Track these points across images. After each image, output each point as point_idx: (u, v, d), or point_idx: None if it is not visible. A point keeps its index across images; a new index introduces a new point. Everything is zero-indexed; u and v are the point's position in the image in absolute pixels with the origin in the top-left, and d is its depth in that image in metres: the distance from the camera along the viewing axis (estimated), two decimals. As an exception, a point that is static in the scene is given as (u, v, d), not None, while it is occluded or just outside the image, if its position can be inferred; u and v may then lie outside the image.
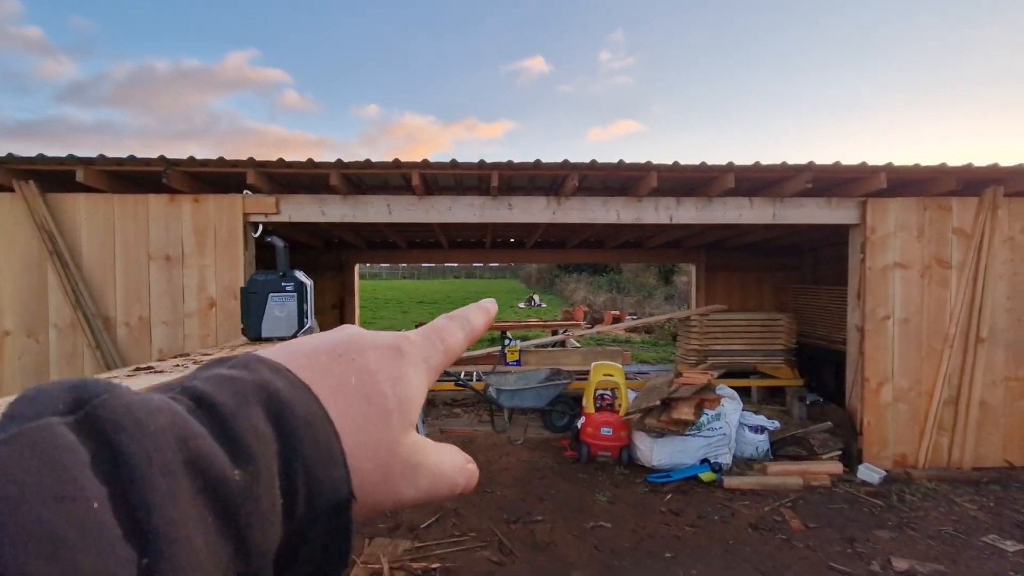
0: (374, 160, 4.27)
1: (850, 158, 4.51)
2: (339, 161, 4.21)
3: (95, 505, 0.16)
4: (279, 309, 2.32)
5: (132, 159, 4.11)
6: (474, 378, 6.45)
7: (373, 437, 0.26)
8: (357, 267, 8.89)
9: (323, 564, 0.23)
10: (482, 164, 4.27)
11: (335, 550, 0.23)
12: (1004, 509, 3.87)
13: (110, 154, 4.11)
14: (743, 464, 4.65)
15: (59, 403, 0.18)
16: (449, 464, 0.30)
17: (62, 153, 4.05)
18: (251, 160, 4.17)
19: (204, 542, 0.18)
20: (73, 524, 0.15)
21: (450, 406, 6.85)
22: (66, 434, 0.17)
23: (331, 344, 0.28)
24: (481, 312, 0.36)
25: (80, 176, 4.07)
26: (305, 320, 2.39)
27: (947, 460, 4.58)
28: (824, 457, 4.68)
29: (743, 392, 6.02)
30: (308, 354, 0.27)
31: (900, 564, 3.08)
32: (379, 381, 0.27)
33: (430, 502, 0.29)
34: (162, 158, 4.09)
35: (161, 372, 1.71)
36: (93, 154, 4.08)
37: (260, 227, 4.46)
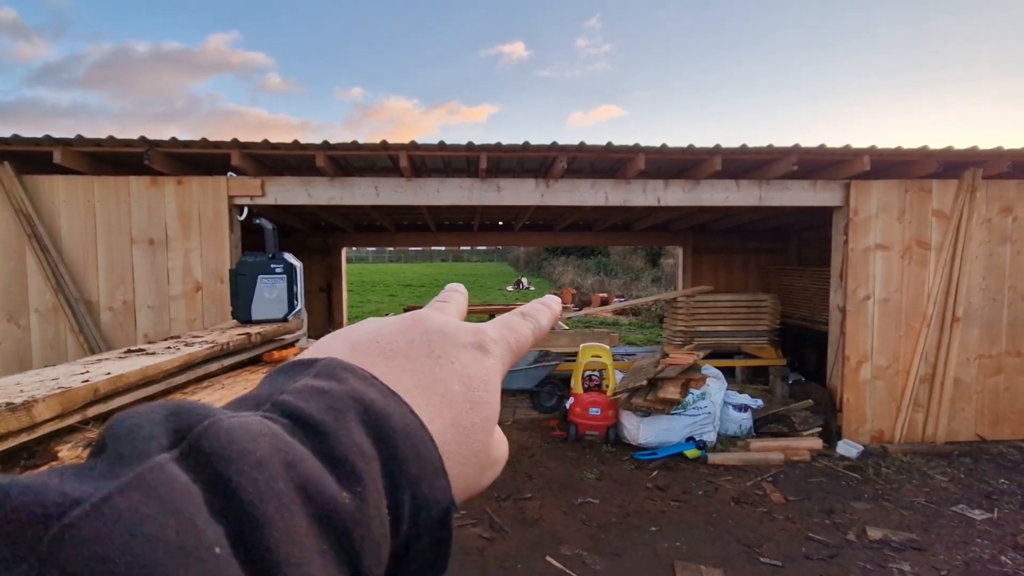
0: (360, 142, 4.22)
1: (834, 142, 4.62)
2: (325, 142, 4.15)
3: (217, 551, 0.15)
4: (269, 291, 2.32)
5: (111, 140, 4.01)
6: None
7: (476, 442, 0.26)
8: (344, 250, 8.83)
9: (425, 573, 0.23)
10: (471, 146, 4.25)
11: (437, 558, 0.23)
12: (974, 481, 4.03)
13: (90, 136, 4.01)
14: (727, 441, 4.77)
15: (161, 435, 0.17)
16: (506, 449, 0.31)
17: (38, 134, 3.94)
18: (235, 141, 4.10)
19: None
20: None
21: (439, 388, 6.90)
22: (179, 475, 0.16)
23: (428, 344, 0.27)
24: (549, 313, 0.36)
25: (57, 157, 3.97)
26: (295, 302, 2.39)
27: (922, 435, 4.75)
28: (805, 434, 4.82)
29: (728, 372, 6.14)
30: (405, 355, 0.26)
31: (875, 533, 3.21)
32: (476, 387, 0.27)
33: None
34: (143, 139, 4.01)
35: (153, 354, 1.71)
36: (70, 135, 3.97)
37: (245, 209, 4.40)
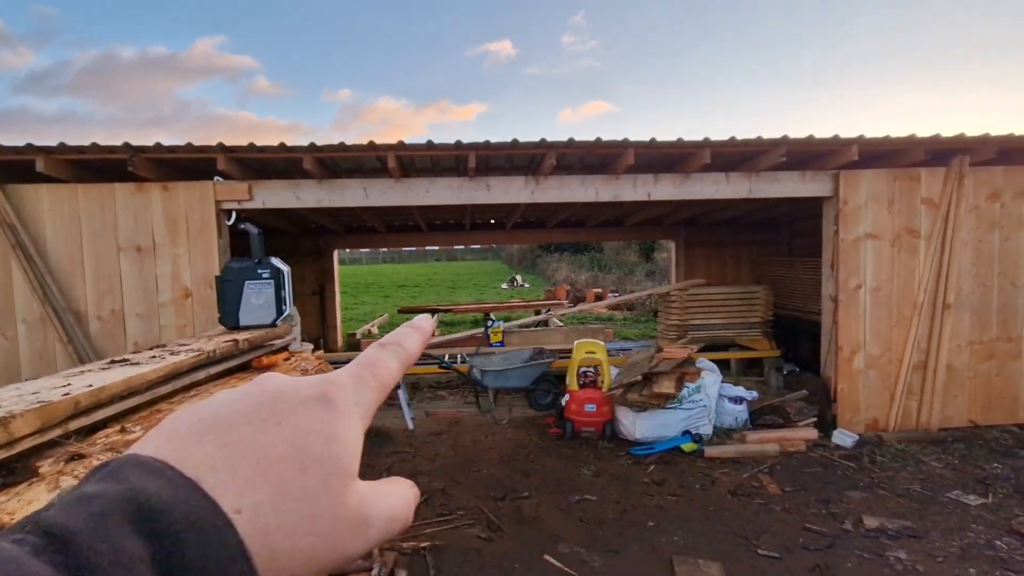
0: (348, 143, 4.19)
1: (822, 133, 4.61)
2: (312, 144, 4.12)
3: None
4: (256, 296, 2.29)
5: (95, 147, 3.96)
6: (458, 360, 6.48)
7: (316, 508, 0.24)
8: (336, 252, 8.79)
9: None
10: (459, 144, 4.22)
11: None
12: (968, 466, 4.06)
13: (74, 143, 3.96)
14: (723, 434, 4.78)
15: None
16: (398, 504, 0.28)
17: (23, 143, 3.89)
18: (221, 145, 4.05)
19: None
20: None
21: (435, 388, 6.88)
22: None
23: (254, 409, 0.25)
24: (416, 333, 0.34)
25: (40, 166, 3.92)
26: (284, 307, 2.36)
27: (916, 422, 4.77)
28: (800, 424, 4.84)
29: (722, 364, 6.16)
30: (224, 428, 0.24)
31: (871, 522, 3.22)
32: (311, 444, 0.25)
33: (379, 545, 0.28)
34: (127, 145, 3.96)
35: (137, 364, 1.68)
36: (53, 142, 3.92)
37: (233, 214, 4.36)
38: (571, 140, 4.27)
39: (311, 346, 5.15)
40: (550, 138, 4.27)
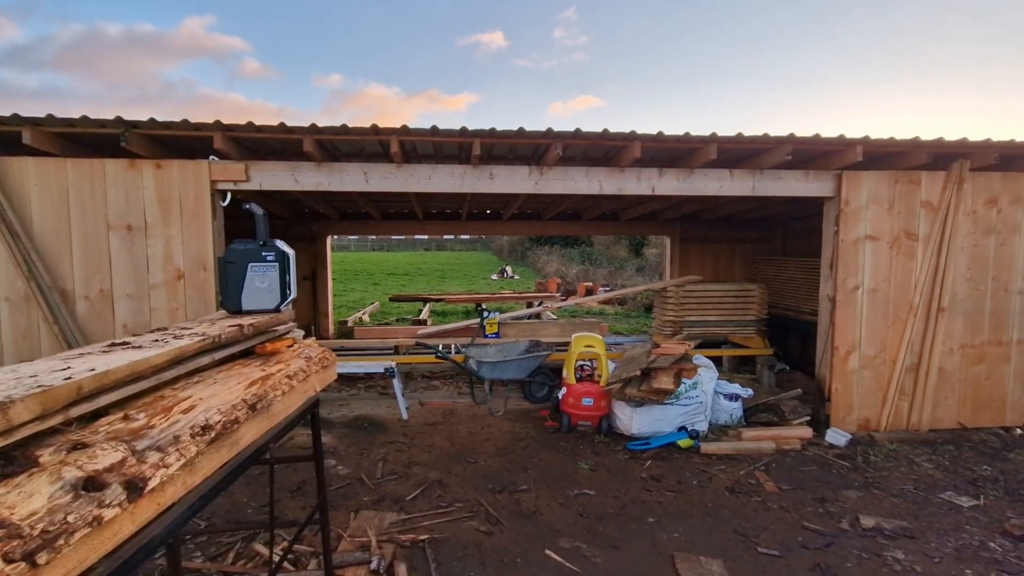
0: (351, 125, 4.08)
1: (813, 132, 4.59)
2: (313, 126, 4.00)
3: None
4: (260, 280, 2.20)
5: (85, 120, 3.80)
6: (452, 351, 6.42)
7: None
8: (329, 238, 8.65)
9: None
10: (464, 131, 4.13)
11: None
12: (959, 468, 4.11)
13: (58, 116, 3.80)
14: (718, 431, 4.79)
15: None
16: None
17: (6, 113, 3.72)
18: (218, 123, 3.92)
19: None
20: None
21: (428, 379, 6.82)
22: None
23: None
24: None
25: (27, 138, 3.76)
26: (288, 291, 2.28)
27: (906, 423, 4.83)
28: (794, 423, 4.87)
29: (714, 361, 6.18)
30: None
31: (868, 521, 3.24)
32: None
33: None
34: (119, 119, 3.81)
35: (139, 348, 1.60)
36: (41, 114, 3.76)
37: (229, 195, 4.24)
38: (578, 131, 4.20)
39: (302, 332, 5.04)
40: (555, 128, 4.20)
